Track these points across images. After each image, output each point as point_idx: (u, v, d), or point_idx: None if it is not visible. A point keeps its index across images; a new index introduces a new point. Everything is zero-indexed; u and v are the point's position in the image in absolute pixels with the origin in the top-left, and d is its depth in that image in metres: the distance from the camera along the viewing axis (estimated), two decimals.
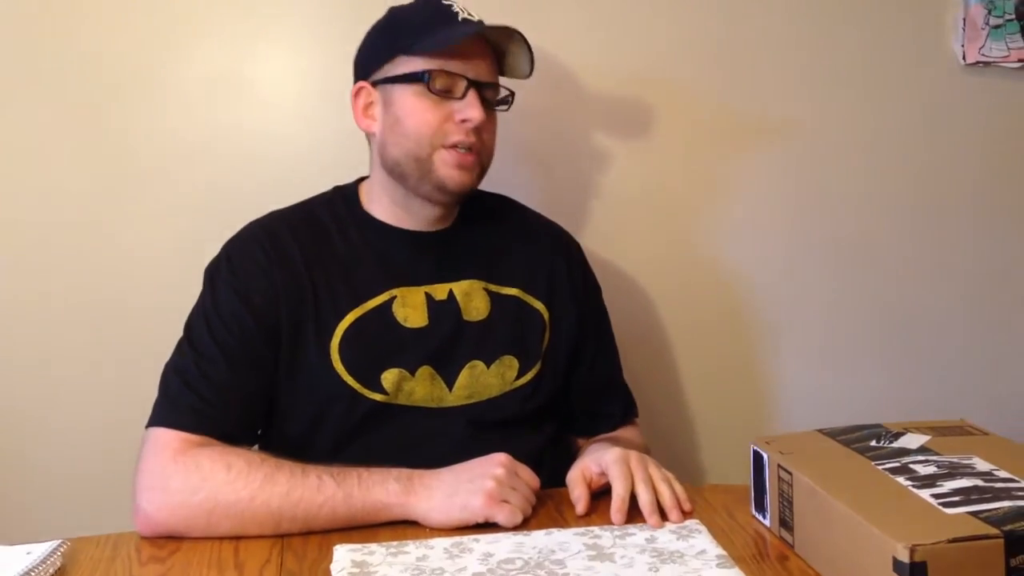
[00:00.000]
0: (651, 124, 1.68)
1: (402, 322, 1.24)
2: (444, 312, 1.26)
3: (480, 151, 1.23)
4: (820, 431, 1.05)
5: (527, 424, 1.28)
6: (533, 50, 1.27)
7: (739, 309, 1.75)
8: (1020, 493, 0.82)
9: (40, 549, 0.95)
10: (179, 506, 1.05)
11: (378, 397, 1.20)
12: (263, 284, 1.21)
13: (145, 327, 1.54)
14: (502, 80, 1.29)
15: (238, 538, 1.04)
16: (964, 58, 1.74)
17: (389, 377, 1.21)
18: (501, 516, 1.03)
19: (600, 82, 1.66)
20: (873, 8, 1.73)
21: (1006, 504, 0.79)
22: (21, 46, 1.51)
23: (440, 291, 1.27)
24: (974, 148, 1.79)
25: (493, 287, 1.30)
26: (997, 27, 1.74)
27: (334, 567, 0.94)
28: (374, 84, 1.26)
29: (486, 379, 1.26)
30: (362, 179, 1.34)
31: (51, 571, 0.94)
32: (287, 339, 1.20)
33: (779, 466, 0.97)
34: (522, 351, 1.29)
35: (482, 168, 1.26)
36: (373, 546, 0.98)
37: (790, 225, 1.75)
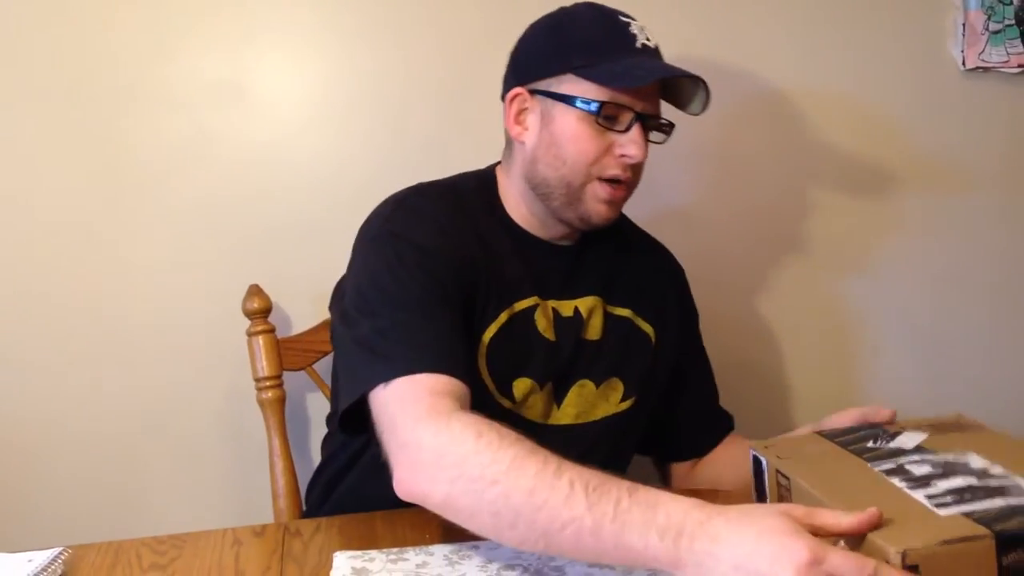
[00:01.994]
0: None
1: (542, 332, 1.19)
2: (569, 328, 1.22)
3: (631, 184, 1.19)
4: (819, 433, 1.05)
5: (619, 449, 1.26)
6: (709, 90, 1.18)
7: (739, 308, 1.76)
8: (1013, 490, 0.82)
9: (41, 556, 0.95)
10: (427, 466, 0.91)
11: (506, 403, 1.16)
12: (448, 245, 1.13)
13: (147, 332, 1.54)
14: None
15: (238, 543, 1.05)
16: (964, 63, 1.75)
17: (520, 386, 1.17)
18: None
19: None
20: (872, 13, 1.73)
21: (999, 502, 0.79)
22: (21, 51, 1.51)
23: (566, 307, 1.23)
24: (974, 153, 1.79)
25: (609, 308, 1.26)
26: (997, 32, 1.75)
27: (334, 574, 0.94)
28: (532, 92, 1.19)
29: (593, 399, 1.22)
30: (495, 165, 1.28)
31: None
32: (467, 307, 1.13)
33: (777, 471, 0.97)
34: (627, 375, 1.25)
35: (624, 203, 1.22)
36: (373, 552, 0.99)
37: (791, 228, 1.76)
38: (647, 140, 1.17)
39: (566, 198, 1.18)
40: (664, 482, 1.37)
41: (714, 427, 1.36)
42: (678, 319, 1.33)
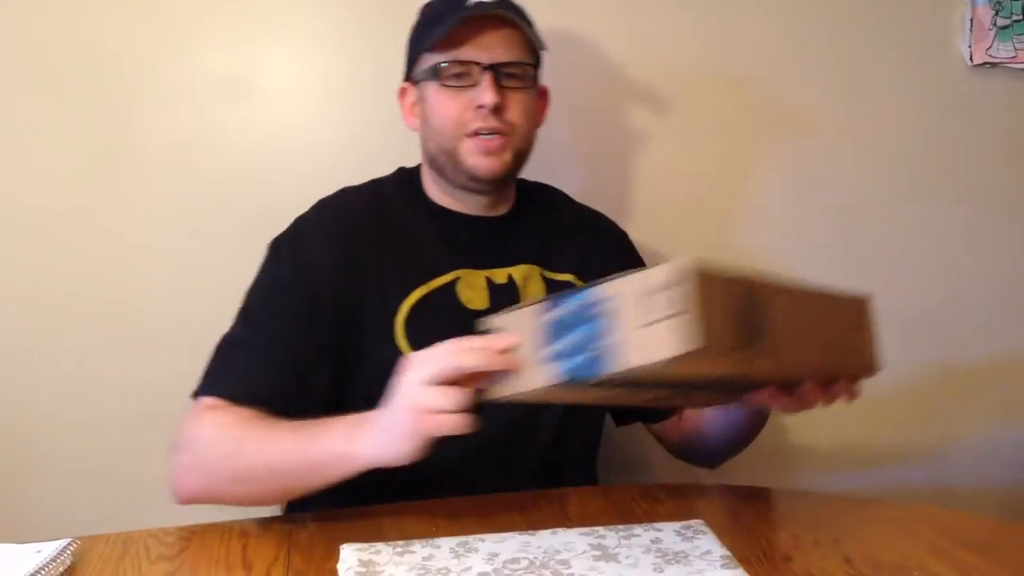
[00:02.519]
0: (677, 118, 1.70)
1: (465, 303, 1.24)
2: (503, 295, 1.25)
3: (509, 132, 1.22)
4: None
5: (575, 407, 1.24)
6: (533, 23, 1.26)
7: None
8: None
9: (50, 547, 0.95)
10: (183, 469, 1.10)
11: None
12: (325, 257, 1.21)
13: (155, 324, 1.55)
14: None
15: (246, 535, 1.05)
16: (971, 59, 1.74)
17: None
18: (440, 430, 0.94)
19: (633, 74, 1.67)
20: (879, 8, 1.73)
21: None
22: (29, 47, 1.52)
23: (500, 275, 1.27)
24: (981, 148, 1.79)
25: (549, 273, 1.30)
26: (1004, 28, 1.74)
27: (340, 566, 0.95)
28: (414, 83, 1.28)
29: None
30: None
31: (61, 569, 0.94)
32: (349, 314, 1.20)
33: None
34: None
35: (516, 150, 1.25)
36: (380, 545, 0.99)
37: (800, 222, 1.76)
38: (501, 87, 1.21)
39: (450, 164, 1.24)
40: (660, 442, 1.39)
41: None
42: None
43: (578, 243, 1.35)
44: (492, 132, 1.21)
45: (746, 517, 1.08)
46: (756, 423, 1.21)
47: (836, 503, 1.14)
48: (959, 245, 1.81)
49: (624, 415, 1.41)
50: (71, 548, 0.97)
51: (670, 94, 1.69)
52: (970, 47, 1.74)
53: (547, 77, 1.32)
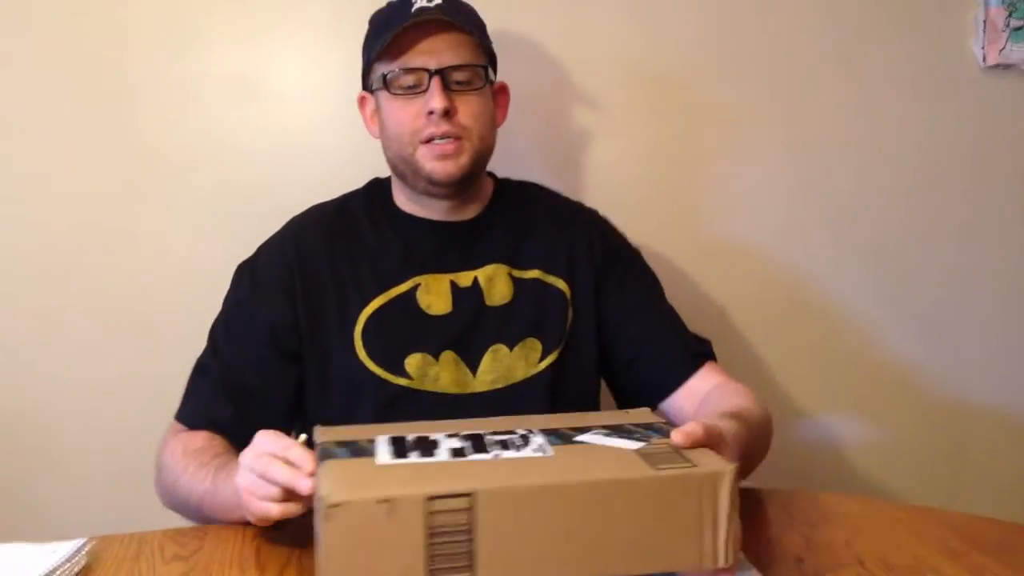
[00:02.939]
0: (665, 117, 1.70)
1: (425, 309, 1.26)
2: (467, 298, 1.27)
3: (463, 136, 1.23)
4: None
5: (558, 406, 1.22)
6: (480, 24, 1.29)
7: (751, 302, 1.76)
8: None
9: (65, 547, 0.96)
10: (160, 485, 1.18)
11: (402, 382, 1.23)
12: (280, 279, 1.26)
13: (167, 325, 1.57)
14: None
15: (259, 536, 1.05)
16: (984, 60, 1.74)
17: (412, 362, 1.23)
18: (263, 515, 0.96)
19: (612, 70, 1.67)
20: (892, 9, 1.73)
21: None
22: (38, 47, 1.54)
23: (465, 278, 1.28)
24: (994, 149, 1.78)
25: (516, 272, 1.30)
26: (1018, 29, 1.74)
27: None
28: (371, 91, 1.30)
29: (509, 362, 1.26)
30: None
31: (76, 569, 0.95)
32: (308, 333, 1.24)
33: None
34: (544, 333, 1.28)
35: (475, 152, 1.25)
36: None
37: (809, 225, 1.76)
38: (451, 90, 1.22)
39: (410, 171, 1.25)
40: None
41: (680, 360, 1.29)
42: (594, 265, 1.33)
43: (547, 237, 1.34)
44: (445, 136, 1.22)
45: (758, 518, 1.08)
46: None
47: (848, 504, 1.14)
48: (971, 243, 1.80)
49: (627, 390, 1.34)
50: (86, 548, 0.98)
51: (674, 87, 1.69)
52: (983, 48, 1.74)
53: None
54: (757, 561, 0.95)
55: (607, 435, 0.87)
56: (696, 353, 1.31)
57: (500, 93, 1.35)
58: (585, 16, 1.65)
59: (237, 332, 1.26)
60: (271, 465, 0.92)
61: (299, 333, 1.25)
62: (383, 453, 0.82)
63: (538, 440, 0.86)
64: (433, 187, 1.25)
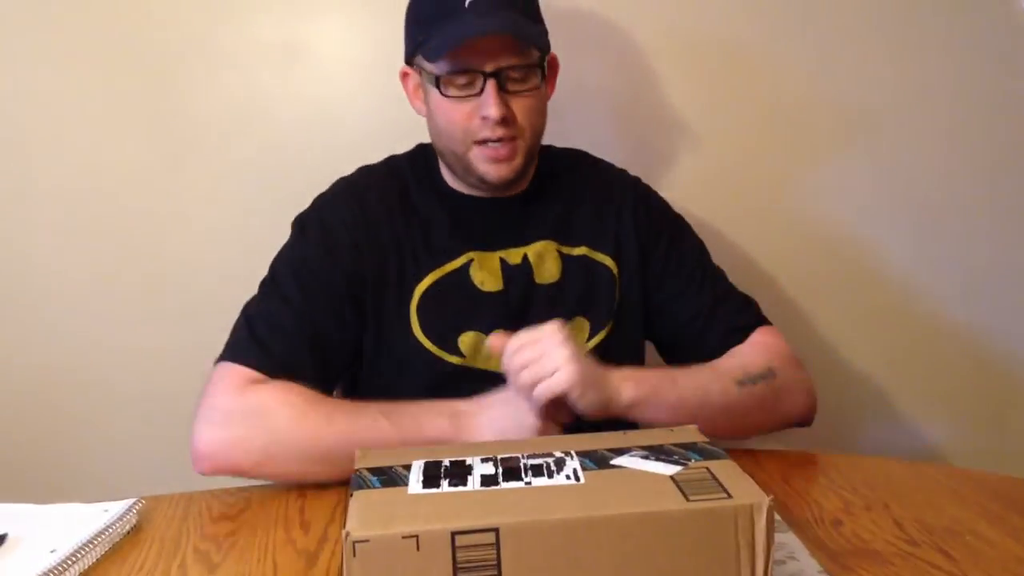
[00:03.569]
0: (739, 101, 1.68)
1: (479, 286, 1.24)
2: (518, 276, 1.26)
3: (518, 136, 1.20)
4: None
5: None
6: (536, 14, 1.23)
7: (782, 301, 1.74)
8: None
9: (117, 507, 0.99)
10: (239, 441, 1.09)
11: (455, 360, 1.22)
12: (349, 242, 1.22)
13: (212, 292, 1.58)
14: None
15: (303, 496, 1.08)
16: None
17: (466, 340, 1.22)
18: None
19: (684, 52, 1.66)
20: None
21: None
22: (80, 13, 1.54)
23: (514, 255, 1.27)
24: None
25: (565, 248, 1.29)
26: None
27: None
28: (416, 68, 1.25)
29: None
30: None
31: (127, 528, 0.98)
32: (372, 295, 1.22)
33: None
34: (592, 312, 1.27)
35: (528, 149, 1.23)
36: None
37: (870, 201, 1.74)
38: (508, 92, 1.17)
39: (459, 165, 1.23)
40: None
41: (727, 332, 1.28)
42: (640, 238, 1.31)
43: (592, 212, 1.32)
44: (501, 139, 1.19)
45: (796, 481, 1.08)
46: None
47: (887, 467, 1.14)
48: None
49: (675, 352, 1.34)
50: (136, 507, 1.01)
51: (727, 70, 1.67)
52: None
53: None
54: (795, 523, 0.95)
55: (644, 458, 0.84)
56: (742, 326, 1.29)
57: (551, 70, 1.29)
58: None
59: (310, 284, 1.21)
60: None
61: (366, 296, 1.22)
62: (415, 482, 0.81)
63: (572, 465, 0.83)
64: (483, 185, 1.24)
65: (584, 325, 1.26)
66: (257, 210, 1.59)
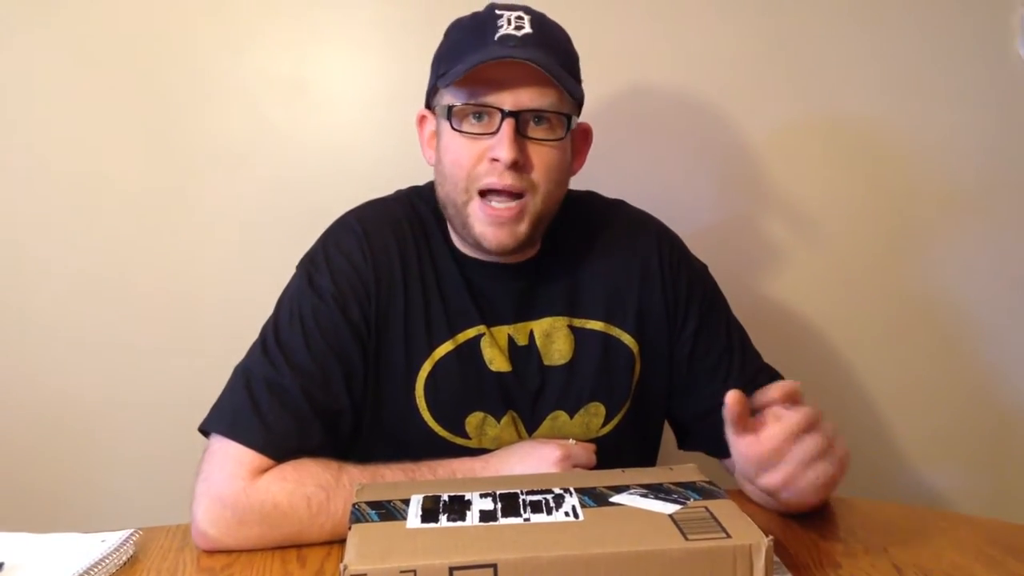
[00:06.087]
0: (726, 127, 1.70)
1: (488, 364, 1.13)
2: (525, 357, 1.14)
3: (528, 191, 1.06)
4: None
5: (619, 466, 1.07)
6: (575, 63, 1.12)
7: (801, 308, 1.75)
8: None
9: (114, 537, 0.98)
10: (257, 538, 1.00)
11: (460, 441, 1.13)
12: (362, 292, 1.10)
13: (217, 318, 1.60)
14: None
15: None
16: None
17: (473, 421, 1.13)
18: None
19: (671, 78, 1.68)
20: (936, 12, 1.71)
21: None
22: (93, 42, 1.56)
23: (521, 333, 1.15)
24: None
25: (577, 322, 1.16)
26: None
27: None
28: (433, 112, 1.13)
29: (569, 430, 1.15)
30: None
31: (124, 558, 0.98)
32: (380, 360, 1.11)
33: None
34: (608, 396, 1.16)
35: (536, 215, 1.08)
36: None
37: (852, 229, 1.75)
38: (525, 137, 1.05)
39: (458, 220, 1.10)
40: (730, 472, 1.15)
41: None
42: (667, 313, 1.18)
43: (610, 277, 1.18)
44: (506, 195, 1.06)
45: (796, 523, 1.08)
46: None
47: (887, 511, 1.13)
48: (1016, 248, 1.78)
49: (690, 439, 1.24)
50: (133, 538, 1.00)
51: (725, 93, 1.69)
52: None
53: None
54: (794, 566, 0.95)
55: (644, 496, 0.84)
56: None
57: (581, 139, 1.17)
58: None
59: (317, 344, 1.08)
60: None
61: (374, 358, 1.11)
62: (413, 517, 0.81)
63: (571, 502, 0.83)
64: (480, 250, 1.11)
65: (599, 410, 1.17)
66: (265, 240, 1.60)
